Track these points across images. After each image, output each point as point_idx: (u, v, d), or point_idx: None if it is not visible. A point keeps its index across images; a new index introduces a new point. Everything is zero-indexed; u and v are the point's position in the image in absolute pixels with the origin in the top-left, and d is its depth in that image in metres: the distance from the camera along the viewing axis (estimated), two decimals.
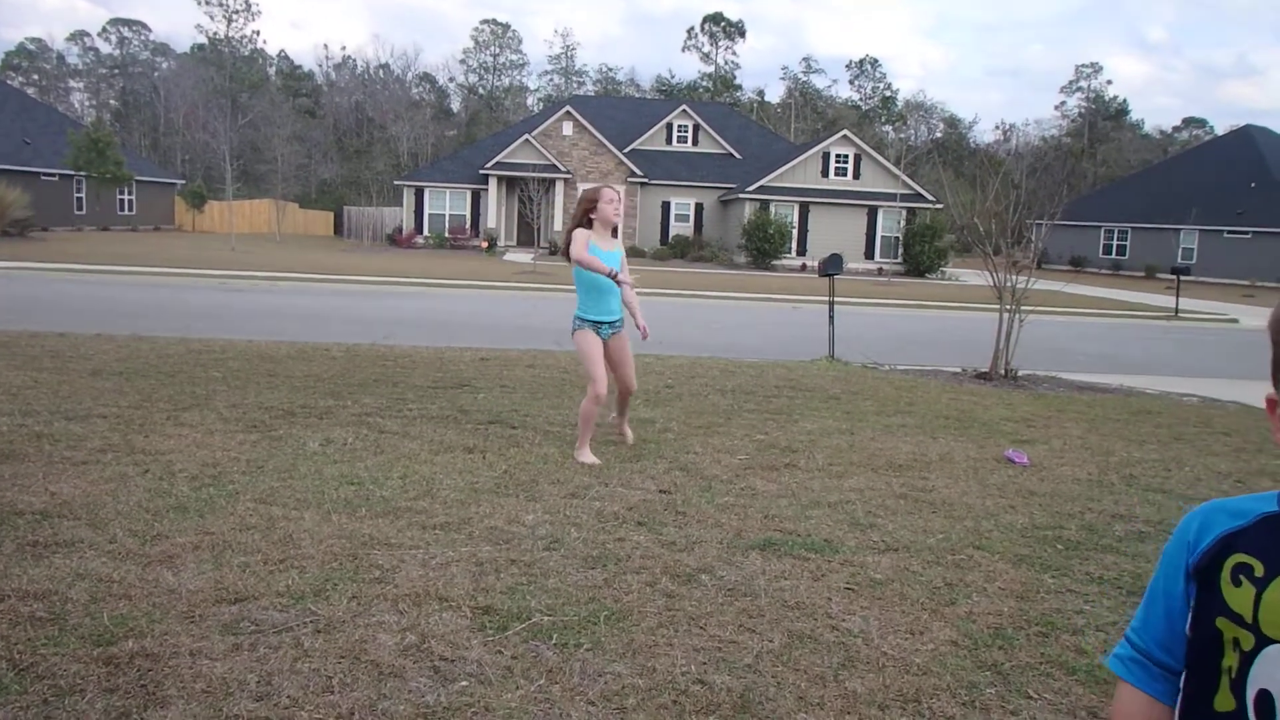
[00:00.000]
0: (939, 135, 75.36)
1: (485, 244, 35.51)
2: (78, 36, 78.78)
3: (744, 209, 34.37)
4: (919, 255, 33.49)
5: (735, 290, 22.43)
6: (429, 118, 68.02)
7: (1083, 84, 75.84)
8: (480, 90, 77.88)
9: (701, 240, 37.47)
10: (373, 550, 3.61)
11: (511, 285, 21.41)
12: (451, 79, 78.59)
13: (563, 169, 36.84)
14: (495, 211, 37.35)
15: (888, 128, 77.72)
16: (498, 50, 78.42)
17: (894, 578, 3.65)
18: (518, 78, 79.99)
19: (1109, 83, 78.37)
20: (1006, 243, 10.17)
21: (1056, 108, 77.82)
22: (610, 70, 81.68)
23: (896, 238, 34.65)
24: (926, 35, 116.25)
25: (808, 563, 3.75)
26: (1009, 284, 9.61)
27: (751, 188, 34.35)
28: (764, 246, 33.03)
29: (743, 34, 78.75)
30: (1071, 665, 2.96)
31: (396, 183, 41.68)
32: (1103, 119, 73.61)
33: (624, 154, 37.98)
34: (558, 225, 37.25)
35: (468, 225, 37.78)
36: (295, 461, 4.82)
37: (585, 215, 5.39)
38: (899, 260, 34.47)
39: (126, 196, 43.43)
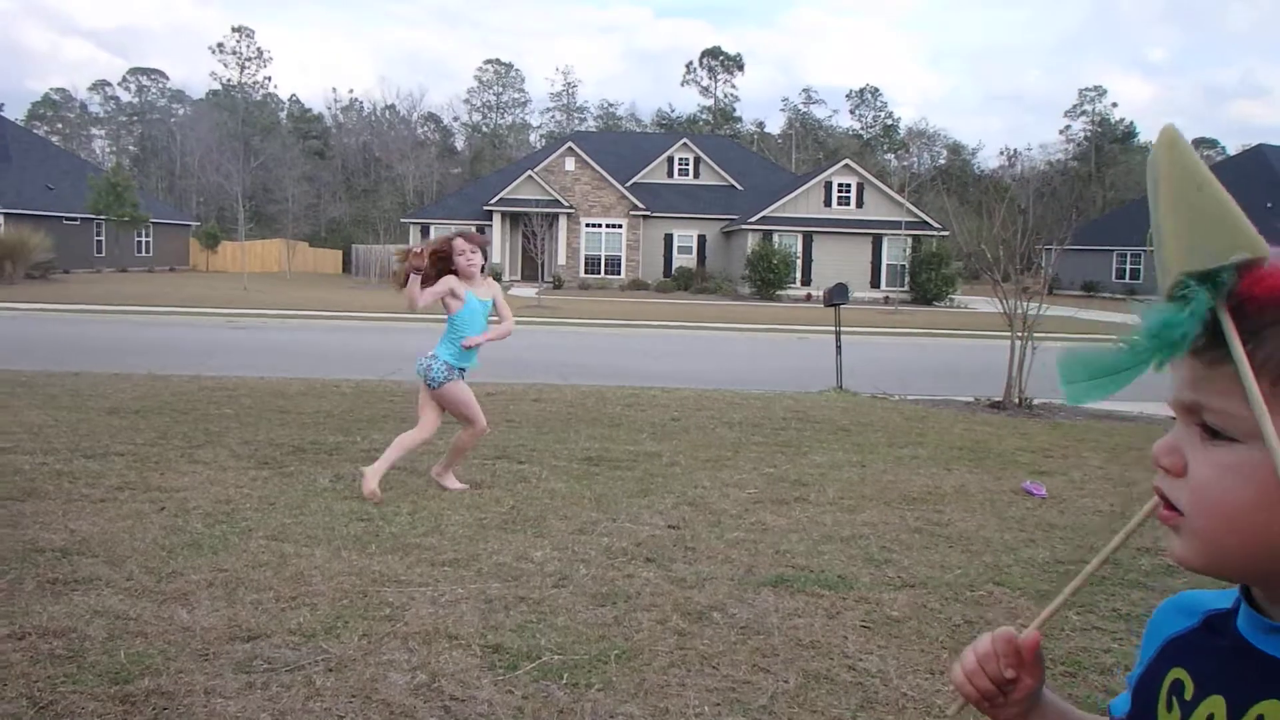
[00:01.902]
0: (942, 162, 75.74)
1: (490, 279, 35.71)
2: (99, 86, 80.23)
3: (747, 240, 34.53)
4: (926, 283, 33.52)
5: (740, 321, 22.48)
6: (434, 156, 68.73)
7: (1087, 107, 76.12)
8: (484, 128, 78.73)
9: (705, 272, 37.61)
10: (383, 587, 3.61)
11: (516, 320, 21.48)
12: (456, 118, 79.56)
13: (566, 204, 37.13)
14: (500, 247, 37.58)
15: (890, 156, 78.20)
16: (500, 89, 79.38)
17: (912, 615, 3.59)
18: (520, 115, 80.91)
19: (1114, 105, 78.51)
20: (1015, 269, 10.16)
21: (1061, 132, 77.95)
22: (611, 106, 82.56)
23: (902, 266, 34.72)
24: (923, 64, 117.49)
25: (822, 600, 3.72)
26: (1020, 311, 9.56)
27: (754, 218, 34.53)
28: (768, 277, 33.13)
29: (741, 67, 79.60)
30: (1100, 706, 2.91)
31: (403, 220, 42.07)
32: (1109, 142, 73.79)
33: (626, 187, 38.28)
34: (561, 259, 37.49)
35: None
36: (306, 498, 4.83)
37: (441, 267, 5.24)
38: (906, 289, 34.50)
39: (143, 238, 43.88)
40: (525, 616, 3.40)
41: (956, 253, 31.60)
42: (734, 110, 79.85)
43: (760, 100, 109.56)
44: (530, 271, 37.88)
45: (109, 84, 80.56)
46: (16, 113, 74.44)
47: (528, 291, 32.51)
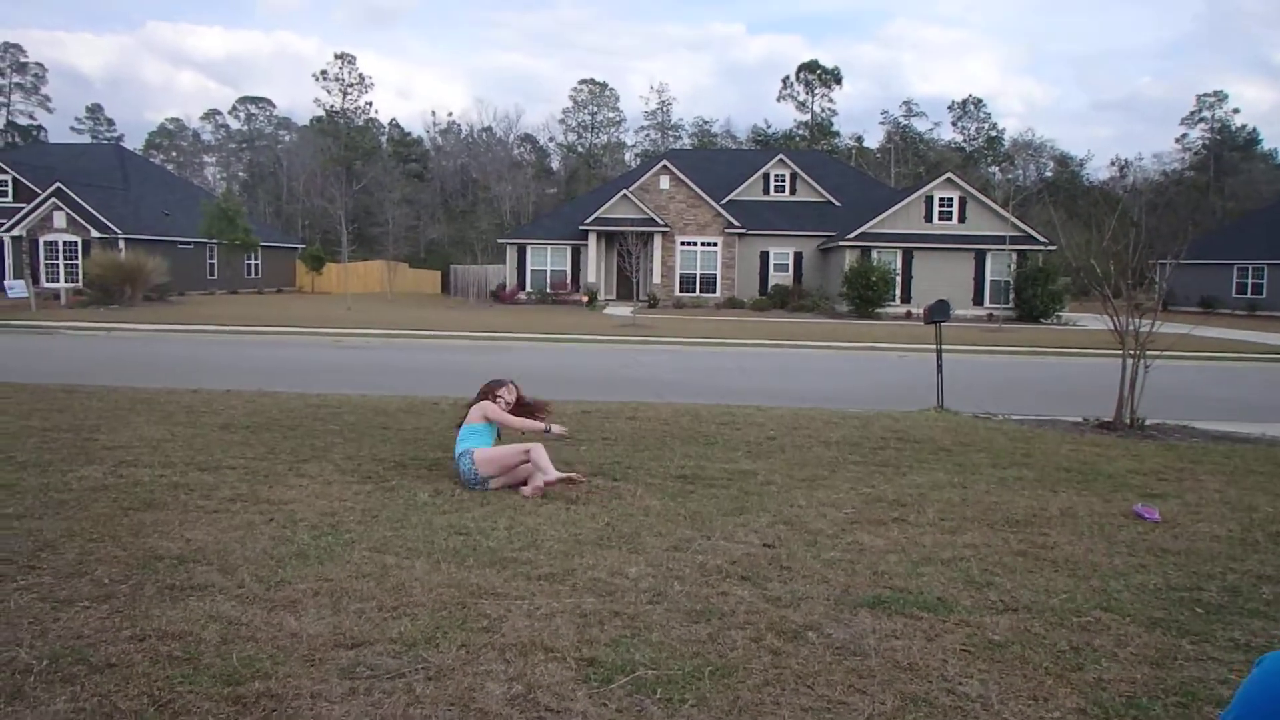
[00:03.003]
0: (1049, 174, 73.30)
1: (586, 298, 36.18)
2: (211, 115, 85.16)
3: (845, 256, 34.09)
4: (1032, 299, 32.44)
5: (837, 339, 22.18)
6: (530, 177, 70.24)
7: (1205, 114, 72.61)
8: (579, 148, 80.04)
9: (801, 289, 37.28)
10: (480, 599, 3.70)
11: (612, 338, 21.72)
12: (551, 139, 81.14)
13: (661, 222, 37.37)
14: (595, 266, 38.07)
15: (994, 169, 76.12)
16: (595, 109, 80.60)
17: (1014, 640, 3.50)
18: (615, 134, 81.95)
19: (1235, 111, 74.32)
20: (1127, 284, 9.78)
21: (1177, 140, 74.39)
22: (706, 123, 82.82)
23: (1007, 282, 33.70)
24: (1024, 71, 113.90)
25: (920, 622, 3.65)
26: (1132, 328, 9.20)
27: (852, 235, 34.09)
28: (867, 294, 32.62)
29: (839, 80, 78.79)
30: None
31: (500, 241, 43.02)
32: (1230, 150, 70.13)
33: (721, 205, 38.32)
34: (656, 278, 37.71)
35: (568, 280, 38.59)
36: (407, 512, 5.00)
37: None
38: (1010, 305, 33.47)
39: (253, 261, 46.17)
40: (620, 631, 3.43)
41: (1064, 268, 30.46)
42: (831, 125, 79.11)
43: (858, 114, 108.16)
44: (625, 290, 38.23)
45: (220, 113, 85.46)
46: (135, 143, 79.68)
47: (623, 310, 32.82)
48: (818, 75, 78.19)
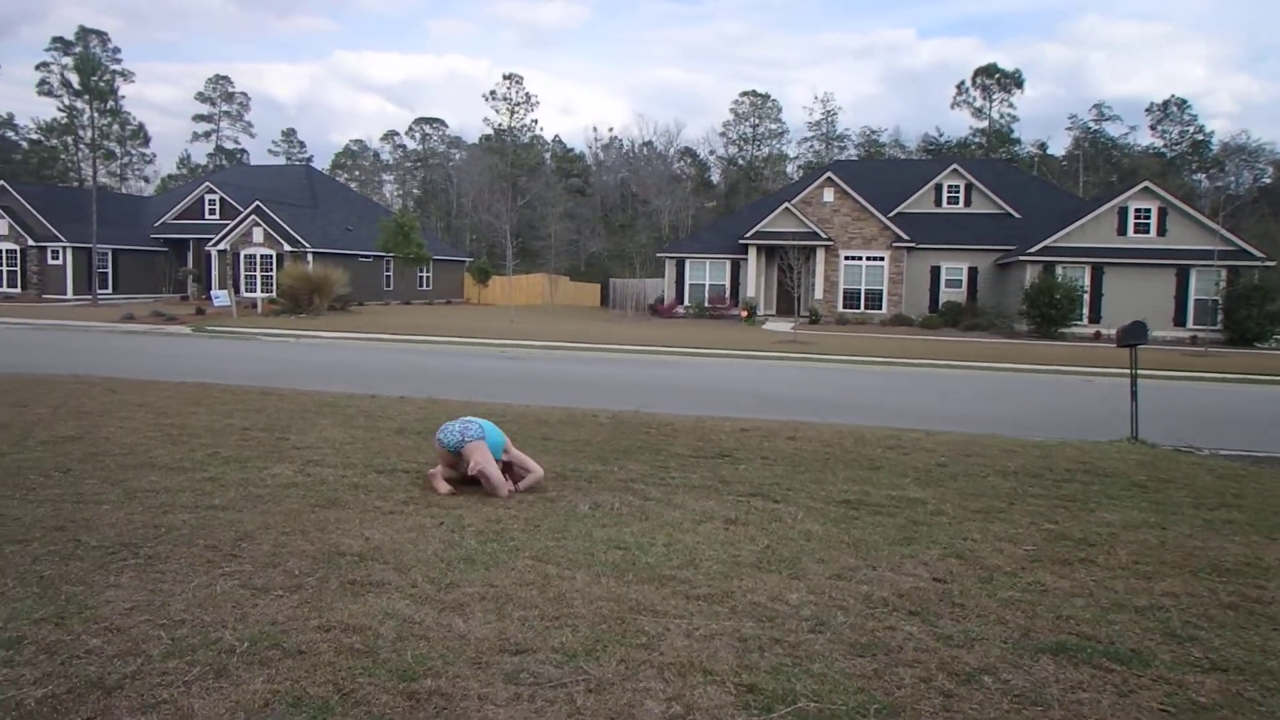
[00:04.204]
0: (1267, 180, 67.26)
1: (744, 313, 36.08)
2: (389, 136, 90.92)
3: (1025, 272, 32.48)
4: (1245, 321, 29.81)
5: (1015, 361, 21.14)
6: (689, 191, 70.82)
7: None
8: (739, 161, 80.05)
9: (976, 307, 35.78)
10: (639, 615, 3.76)
11: (771, 355, 21.56)
12: (712, 152, 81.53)
13: (824, 236, 36.83)
14: (754, 280, 37.93)
15: (1200, 176, 70.60)
16: (757, 121, 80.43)
17: (1224, 703, 3.20)
18: (777, 146, 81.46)
19: None
20: None
21: None
22: (873, 132, 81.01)
23: (1214, 301, 31.15)
24: (1238, 67, 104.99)
25: (1111, 675, 3.42)
26: None
27: (1034, 249, 32.45)
28: (1049, 313, 30.93)
29: (1020, 84, 75.34)
30: None
31: (658, 254, 43.58)
32: None
33: (889, 218, 37.37)
34: (819, 293, 37.16)
35: (727, 295, 38.61)
36: (567, 523, 5.15)
37: None
38: (1218, 327, 30.90)
39: (425, 273, 48.86)
40: (780, 659, 3.41)
41: None
42: (1011, 131, 75.70)
43: (1041, 119, 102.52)
44: (785, 306, 37.88)
45: (397, 133, 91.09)
46: (323, 163, 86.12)
47: (783, 326, 32.53)
48: (996, 79, 75.05)
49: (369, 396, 10.49)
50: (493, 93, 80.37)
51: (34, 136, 72.47)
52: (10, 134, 73.13)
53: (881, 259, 37.15)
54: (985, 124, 75.38)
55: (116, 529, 4.59)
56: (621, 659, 3.31)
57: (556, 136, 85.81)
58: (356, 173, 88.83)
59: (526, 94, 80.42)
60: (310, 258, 38.55)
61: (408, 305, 44.29)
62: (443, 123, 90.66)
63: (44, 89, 68.77)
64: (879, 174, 43.52)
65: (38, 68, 71.69)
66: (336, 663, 3.07)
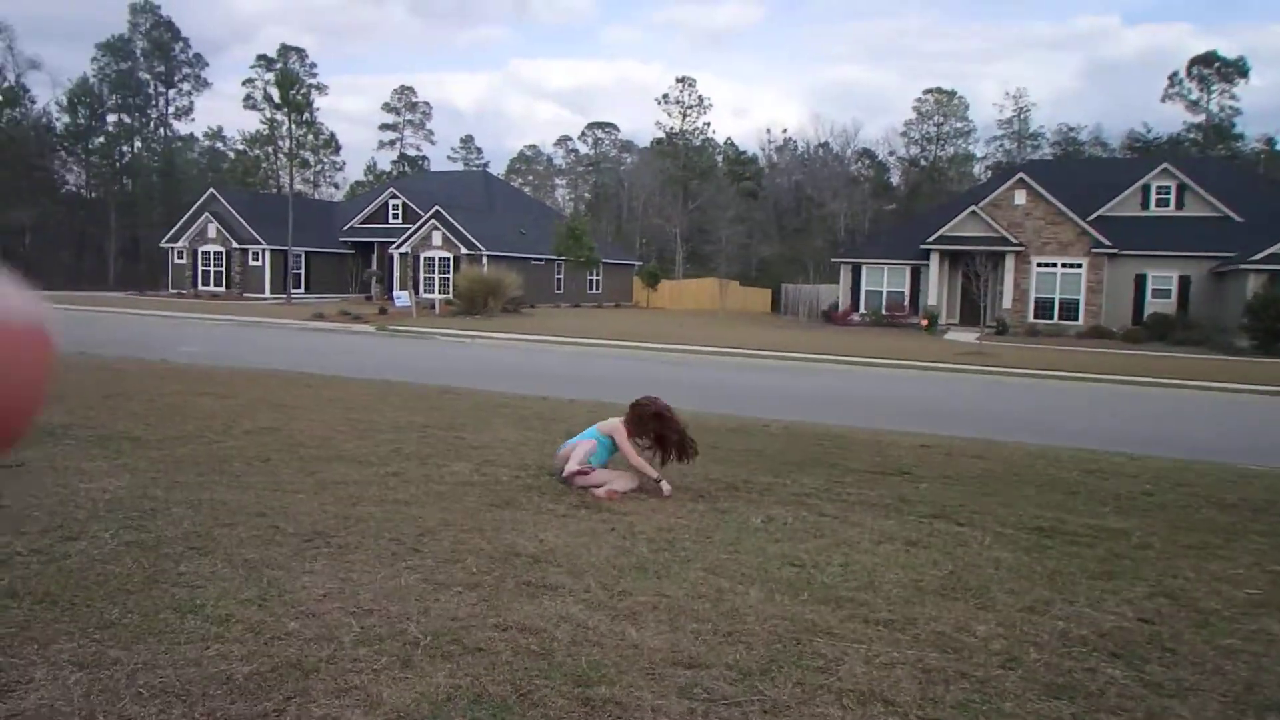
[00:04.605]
0: None
1: (925, 322, 34.87)
2: (563, 141, 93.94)
3: (1247, 282, 29.77)
4: None
5: (1236, 380, 19.41)
6: (867, 193, 69.20)
7: None
8: (921, 162, 77.51)
9: (1187, 320, 33.10)
10: (815, 637, 3.69)
11: (953, 367, 20.74)
12: (891, 152, 79.33)
13: (1014, 241, 35.09)
14: (936, 288, 36.59)
15: None
16: (941, 119, 77.62)
17: None
18: (963, 146, 78.34)
19: None
20: None
21: None
22: (1070, 130, 76.44)
23: None
24: None
25: None
26: None
27: (1258, 256, 29.69)
28: (1276, 327, 28.21)
29: (1244, 73, 69.14)
30: None
31: (833, 260, 42.81)
32: None
33: (1088, 222, 35.16)
34: (1007, 302, 35.44)
35: (906, 302, 37.45)
36: (739, 536, 5.12)
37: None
38: None
39: (595, 277, 50.08)
40: (968, 694, 3.26)
41: None
42: (1233, 126, 69.65)
43: (1270, 111, 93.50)
44: (971, 315, 36.35)
45: (570, 138, 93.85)
46: (498, 168, 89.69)
47: (967, 337, 31.25)
48: (1215, 69, 69.22)
49: (541, 398, 10.83)
50: (665, 96, 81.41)
51: (239, 147, 79.26)
52: (220, 145, 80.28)
53: (1078, 266, 35.02)
54: (1201, 118, 69.70)
55: (311, 518, 4.94)
56: (798, 681, 3.26)
57: (729, 139, 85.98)
58: (530, 177, 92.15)
59: (699, 97, 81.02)
60: (485, 260, 40.29)
61: (577, 308, 45.49)
62: (615, 127, 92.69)
63: (249, 103, 75.06)
64: (1077, 174, 41.01)
65: (244, 84, 78.53)
66: (514, 663, 3.18)
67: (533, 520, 5.15)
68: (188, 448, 6.79)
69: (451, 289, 38.25)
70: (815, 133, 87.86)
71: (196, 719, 2.70)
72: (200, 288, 47.22)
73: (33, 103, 66.80)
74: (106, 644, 3.18)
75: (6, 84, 64.24)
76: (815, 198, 67.90)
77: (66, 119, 67.82)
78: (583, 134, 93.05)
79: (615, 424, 6.24)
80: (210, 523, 4.74)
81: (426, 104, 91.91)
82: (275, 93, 49.20)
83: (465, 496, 5.62)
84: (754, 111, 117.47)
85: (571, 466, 5.88)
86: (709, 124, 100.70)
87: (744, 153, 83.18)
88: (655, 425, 6.20)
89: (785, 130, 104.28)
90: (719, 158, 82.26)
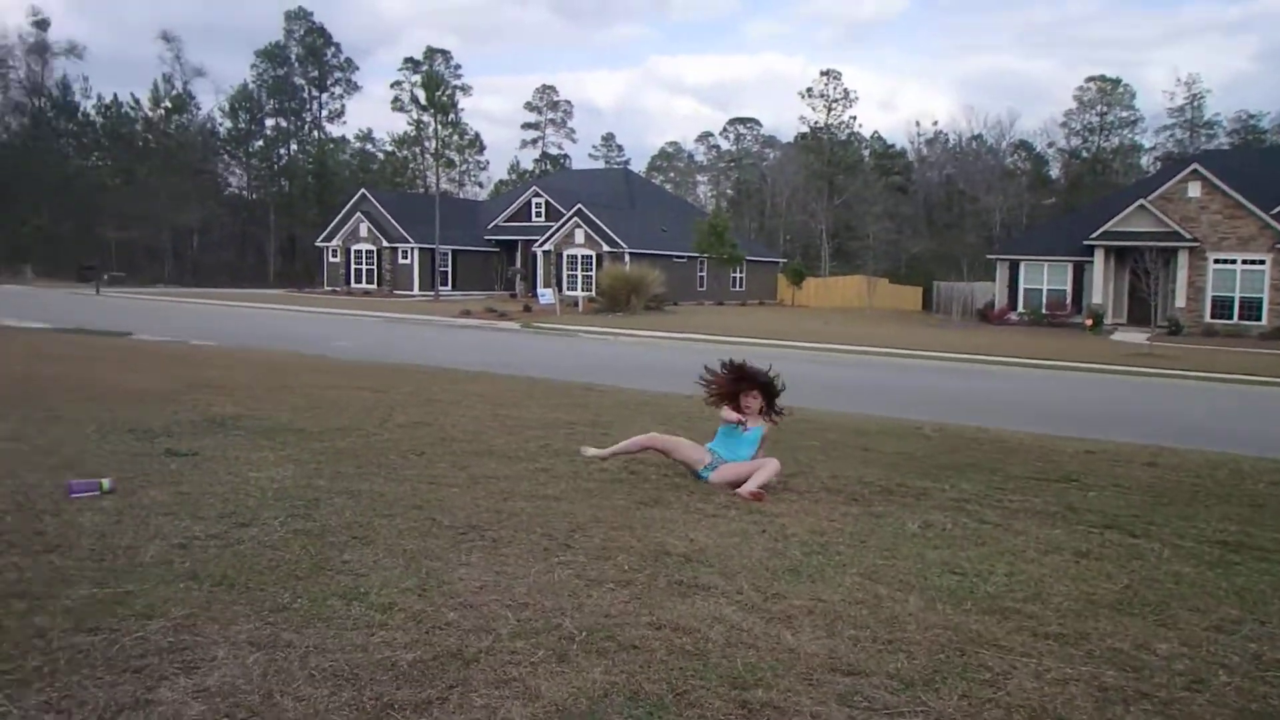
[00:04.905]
0: None
1: (1089, 321, 33.09)
2: (704, 137, 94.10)
3: None
4: None
5: None
6: (1024, 187, 66.34)
7: None
8: (1083, 153, 73.62)
9: None
10: (980, 649, 3.55)
11: (1120, 369, 19.61)
12: (1050, 144, 75.70)
13: (1188, 236, 32.88)
14: (1101, 285, 34.67)
15: None
16: (1105, 108, 73.48)
17: None
18: (1128, 136, 73.97)
19: None
20: None
21: None
22: (1250, 118, 70.92)
23: None
24: None
25: None
26: None
27: None
28: None
29: None
30: None
31: (988, 256, 41.28)
32: None
33: (1271, 215, 32.52)
34: (1180, 301, 33.26)
35: (1068, 301, 35.66)
36: (896, 541, 4.99)
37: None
38: None
39: (737, 274, 49.93)
40: (1149, 716, 3.07)
41: None
42: None
43: None
44: (1139, 314, 34.29)
45: (711, 134, 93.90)
46: (639, 165, 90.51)
47: (1136, 337, 29.52)
48: None
49: (685, 397, 10.86)
50: (809, 90, 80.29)
51: (388, 148, 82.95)
52: (369, 146, 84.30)
53: (1261, 263, 32.49)
54: None
55: (465, 511, 5.11)
56: (963, 694, 3.14)
57: (875, 133, 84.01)
58: (671, 174, 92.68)
59: (844, 90, 79.54)
60: (627, 258, 40.78)
61: (720, 306, 45.45)
62: (757, 122, 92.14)
63: (396, 105, 78.47)
64: (1258, 165, 38.05)
65: (391, 86, 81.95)
66: (669, 662, 3.19)
67: (682, 519, 5.16)
68: (346, 440, 7.14)
69: (594, 286, 38.91)
70: (968, 124, 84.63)
71: (365, 703, 2.83)
72: (353, 285, 49.73)
73: (198, 109, 72.11)
74: (280, 627, 3.37)
75: (175, 92, 69.51)
76: (968, 192, 65.58)
77: (229, 124, 72.79)
78: (724, 130, 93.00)
79: (725, 414, 6.28)
80: (370, 513, 4.97)
81: (567, 102, 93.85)
82: (421, 95, 51.35)
83: (614, 494, 5.69)
84: (902, 104, 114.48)
85: (751, 486, 5.77)
86: (854, 117, 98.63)
87: (891, 146, 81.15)
88: (741, 382, 6.28)
89: (935, 123, 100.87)
90: (865, 152, 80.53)
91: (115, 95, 68.35)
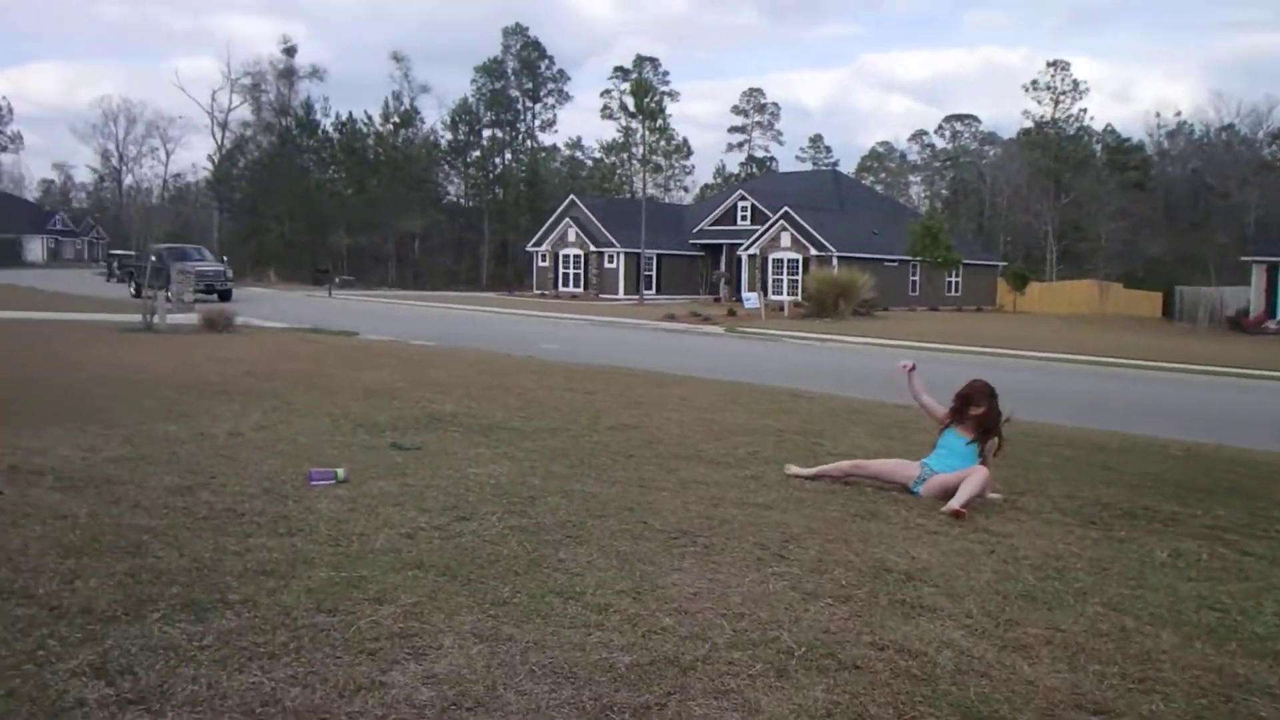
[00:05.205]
0: None
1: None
2: (917, 136, 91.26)
3: None
4: None
5: None
6: None
7: None
8: None
9: None
10: (1250, 696, 3.18)
11: None
12: None
13: None
14: None
15: None
16: None
17: None
18: None
19: None
20: None
21: None
22: None
23: None
24: None
25: None
26: None
27: None
28: None
29: None
30: None
31: (1242, 258, 37.62)
32: None
33: None
34: None
35: None
36: (1142, 569, 4.58)
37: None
38: None
39: (953, 278, 47.91)
40: None
41: None
42: None
43: None
44: None
45: (925, 133, 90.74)
46: (848, 166, 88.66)
47: None
48: None
49: (899, 406, 10.49)
50: (1033, 83, 75.91)
51: (596, 155, 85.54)
52: (578, 154, 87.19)
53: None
54: None
55: (676, 515, 5.13)
56: None
57: (1108, 126, 78.21)
58: (882, 175, 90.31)
59: (1072, 81, 74.71)
60: (835, 261, 40.01)
61: (934, 312, 43.69)
62: (975, 119, 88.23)
63: (605, 113, 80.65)
64: None
65: (601, 95, 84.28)
66: (894, 685, 3.05)
67: (901, 534, 4.96)
68: (557, 440, 7.37)
69: (801, 291, 38.41)
70: (1217, 114, 76.33)
71: (584, 702, 2.87)
72: (560, 289, 51.59)
73: (422, 123, 77.11)
74: (501, 620, 3.50)
75: (404, 108, 74.60)
76: (1217, 188, 59.88)
77: (449, 136, 77.29)
78: (939, 127, 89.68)
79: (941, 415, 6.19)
80: (583, 513, 5.09)
81: (775, 104, 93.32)
82: (630, 102, 52.63)
83: (828, 504, 5.55)
84: (1138, 94, 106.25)
85: (954, 503, 5.45)
86: (1084, 110, 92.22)
87: (1127, 140, 75.29)
88: (985, 405, 6.02)
89: (1178, 113, 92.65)
90: (1097, 146, 75.25)
91: (350, 113, 74.32)
